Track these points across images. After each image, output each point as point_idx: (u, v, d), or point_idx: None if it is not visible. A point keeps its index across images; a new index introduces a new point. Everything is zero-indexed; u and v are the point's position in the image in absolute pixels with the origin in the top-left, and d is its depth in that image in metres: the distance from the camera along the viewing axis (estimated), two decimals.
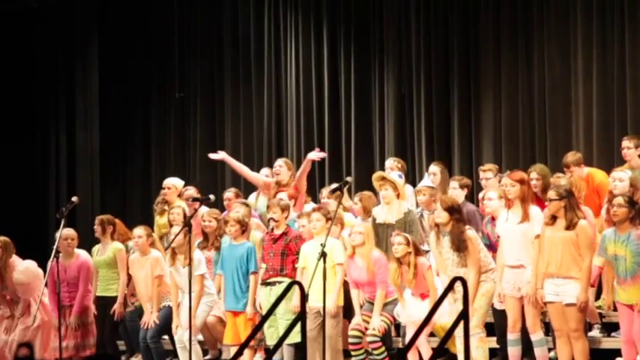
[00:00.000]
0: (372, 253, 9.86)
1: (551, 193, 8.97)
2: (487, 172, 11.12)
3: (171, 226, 11.21)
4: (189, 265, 9.96)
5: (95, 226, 11.28)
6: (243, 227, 10.44)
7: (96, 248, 11.30)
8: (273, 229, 10.31)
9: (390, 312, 9.89)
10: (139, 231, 10.90)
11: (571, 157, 11.13)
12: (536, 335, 9.20)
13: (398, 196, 10.54)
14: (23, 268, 11.14)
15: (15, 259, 11.26)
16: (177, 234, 10.24)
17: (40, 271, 11.14)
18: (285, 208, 10.36)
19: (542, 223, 9.04)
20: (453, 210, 9.33)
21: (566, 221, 8.87)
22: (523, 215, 9.16)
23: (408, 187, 11.45)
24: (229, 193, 11.95)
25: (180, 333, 10.38)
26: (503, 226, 9.29)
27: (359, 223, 10.23)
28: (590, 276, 8.97)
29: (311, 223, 10.11)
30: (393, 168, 11.38)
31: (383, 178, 10.63)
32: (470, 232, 9.36)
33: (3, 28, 15.84)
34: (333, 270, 9.76)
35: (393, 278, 9.70)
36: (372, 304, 9.89)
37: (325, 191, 11.56)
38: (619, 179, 9.64)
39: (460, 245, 9.25)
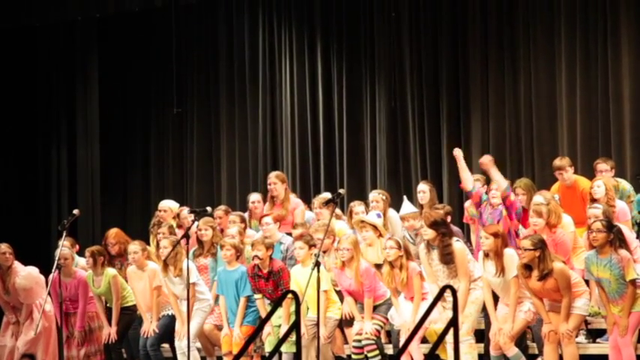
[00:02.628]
0: (360, 265, 9.88)
1: (526, 243, 8.99)
2: (477, 182, 11.13)
3: (157, 246, 11.14)
4: (186, 274, 10.02)
5: (86, 258, 11.16)
6: (238, 252, 10.50)
7: (90, 278, 11.09)
8: (259, 268, 10.30)
9: (383, 314, 9.91)
10: (134, 247, 10.88)
11: (559, 161, 11.15)
12: (511, 351, 9.23)
13: (379, 235, 10.52)
14: (25, 273, 11.19)
15: (17, 265, 11.27)
16: (174, 247, 10.33)
17: (42, 277, 11.15)
18: (269, 247, 10.36)
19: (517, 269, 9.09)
20: (438, 225, 9.37)
21: (539, 271, 8.93)
22: (498, 269, 9.19)
23: (392, 212, 11.40)
24: (219, 211, 11.90)
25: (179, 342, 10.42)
26: (484, 274, 9.33)
27: (345, 237, 10.20)
28: (569, 310, 9.02)
29: (295, 252, 10.25)
30: (377, 200, 11.25)
31: (362, 222, 10.62)
32: (457, 244, 9.40)
33: (6, 47, 15.87)
34: (320, 295, 9.78)
35: (386, 281, 9.72)
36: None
37: (317, 201, 11.55)
38: (594, 216, 9.70)
39: (447, 258, 9.28)
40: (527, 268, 8.99)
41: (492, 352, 9.34)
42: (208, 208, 10.83)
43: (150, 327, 10.75)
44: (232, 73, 15.37)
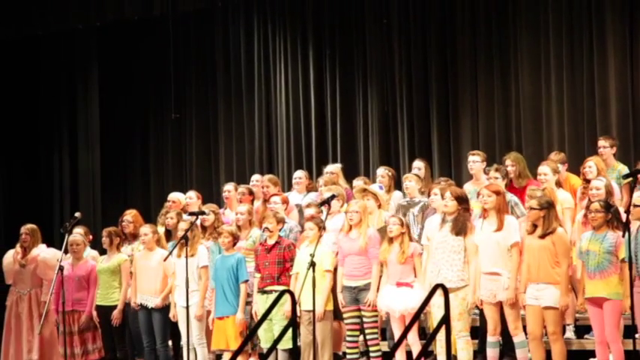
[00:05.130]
0: (367, 230, 9.84)
1: (533, 203, 8.97)
2: (475, 156, 11.23)
3: (166, 231, 11.15)
4: (198, 255, 10.20)
5: (103, 238, 11.20)
6: (236, 240, 10.46)
7: (102, 258, 11.23)
8: (266, 240, 10.30)
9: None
10: (146, 229, 10.89)
11: (555, 156, 11.18)
12: (518, 337, 9.14)
13: (379, 206, 10.52)
14: (51, 251, 11.47)
15: (43, 245, 11.57)
16: (179, 242, 10.31)
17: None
18: (280, 220, 10.36)
19: (525, 230, 9.05)
20: (462, 200, 9.35)
21: (543, 229, 8.89)
22: (498, 224, 9.14)
23: (396, 193, 11.46)
24: (229, 186, 12.13)
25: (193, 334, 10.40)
26: (480, 235, 9.26)
27: (354, 201, 10.17)
28: (568, 280, 8.96)
29: (304, 232, 10.22)
30: (384, 176, 11.43)
31: (364, 190, 10.62)
32: (471, 224, 9.35)
33: (10, 56, 15.87)
34: (322, 276, 9.78)
35: (382, 254, 9.68)
36: (356, 299, 9.81)
37: (322, 180, 11.61)
38: (596, 188, 9.65)
39: (461, 229, 9.20)
40: (534, 226, 8.97)
41: (490, 339, 9.24)
42: (206, 211, 10.87)
43: (171, 313, 10.62)
44: (229, 79, 15.39)
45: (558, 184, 10.37)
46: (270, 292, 10.06)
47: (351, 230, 9.91)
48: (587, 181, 10.21)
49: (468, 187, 11.16)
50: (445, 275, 9.09)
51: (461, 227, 9.21)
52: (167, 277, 10.69)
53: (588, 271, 8.87)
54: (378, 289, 9.74)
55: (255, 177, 12.38)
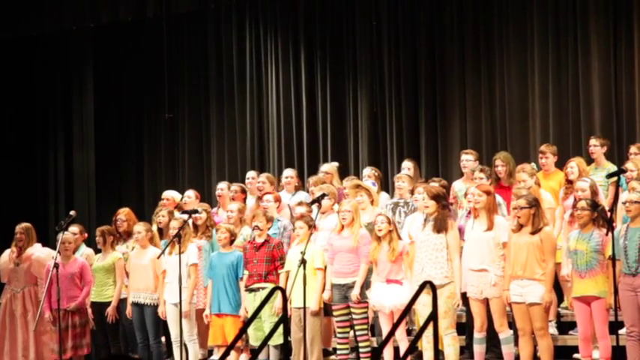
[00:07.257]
0: (359, 229, 9.87)
1: (522, 202, 9.01)
2: (468, 155, 11.31)
3: (159, 230, 11.17)
4: (188, 253, 10.19)
5: (97, 237, 11.23)
6: (233, 237, 10.48)
7: (97, 256, 11.24)
8: (254, 238, 10.32)
9: (364, 298, 9.83)
10: (139, 227, 10.90)
11: (545, 147, 11.21)
12: (504, 333, 9.22)
13: (372, 202, 10.55)
14: (46, 250, 11.44)
15: (38, 245, 11.51)
16: (171, 240, 10.31)
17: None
18: (269, 220, 10.39)
19: (510, 229, 9.11)
20: (439, 197, 9.39)
21: (532, 227, 8.94)
22: (488, 224, 9.20)
23: (383, 194, 11.49)
24: (222, 184, 12.18)
25: (177, 333, 10.37)
26: (470, 234, 9.31)
27: (346, 201, 10.20)
28: (553, 278, 9.01)
29: (295, 231, 10.24)
30: (370, 176, 11.45)
31: (358, 186, 10.65)
32: (451, 220, 9.42)
33: (5, 56, 15.85)
34: (314, 273, 9.82)
35: (371, 253, 9.71)
36: (345, 296, 9.84)
37: (312, 180, 11.60)
38: (581, 189, 9.67)
39: (440, 226, 9.24)
40: (519, 224, 9.02)
41: (477, 335, 9.30)
42: (199, 209, 10.88)
43: (160, 310, 10.62)
44: (221, 80, 15.40)
45: (537, 184, 10.39)
46: (258, 289, 10.11)
47: (343, 229, 9.94)
48: (570, 182, 10.26)
49: (459, 185, 11.21)
50: (429, 273, 9.13)
51: (441, 225, 9.26)
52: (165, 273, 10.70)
53: (578, 270, 8.91)
54: (363, 285, 9.78)
55: (250, 174, 12.39)
